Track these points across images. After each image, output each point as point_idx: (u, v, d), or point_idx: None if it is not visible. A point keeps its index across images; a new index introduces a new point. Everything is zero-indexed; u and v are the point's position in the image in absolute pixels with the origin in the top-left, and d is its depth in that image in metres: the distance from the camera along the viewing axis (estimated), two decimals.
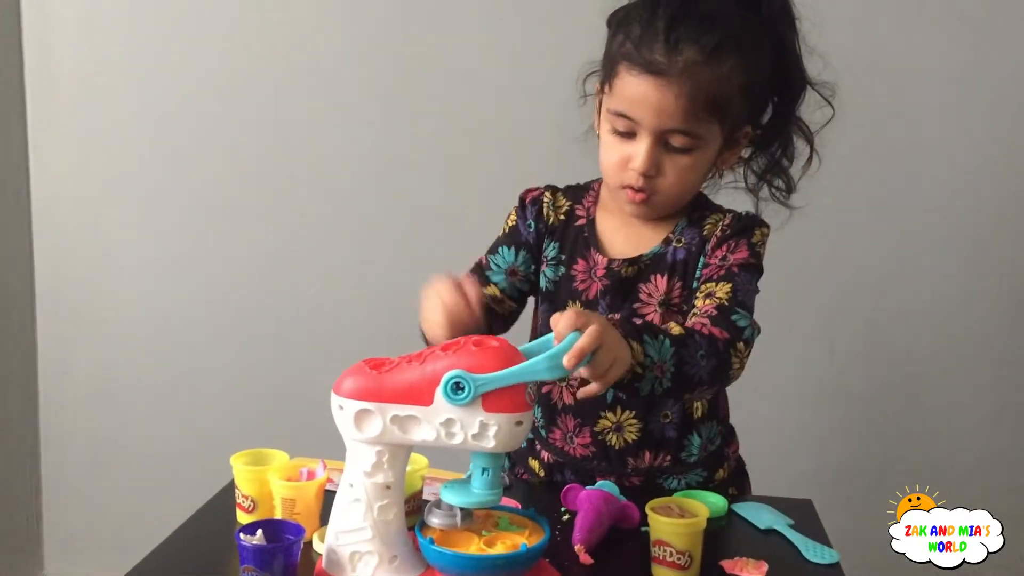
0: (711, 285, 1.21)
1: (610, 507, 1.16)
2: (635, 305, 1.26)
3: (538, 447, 1.35)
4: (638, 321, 1.19)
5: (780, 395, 1.98)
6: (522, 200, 1.35)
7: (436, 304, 1.12)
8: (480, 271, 1.34)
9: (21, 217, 2.03)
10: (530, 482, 1.37)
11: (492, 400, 0.94)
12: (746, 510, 1.24)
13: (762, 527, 1.20)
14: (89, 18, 1.99)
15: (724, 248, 1.24)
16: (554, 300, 1.31)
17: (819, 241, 1.94)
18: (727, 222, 1.27)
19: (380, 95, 1.96)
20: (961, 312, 1.98)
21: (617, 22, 1.23)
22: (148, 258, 2.05)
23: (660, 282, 1.26)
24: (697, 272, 1.25)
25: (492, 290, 1.32)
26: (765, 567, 1.08)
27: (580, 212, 1.32)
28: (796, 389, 2.00)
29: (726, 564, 1.09)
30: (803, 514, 1.24)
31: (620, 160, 1.21)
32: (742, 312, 1.18)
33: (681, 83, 1.14)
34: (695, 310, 1.21)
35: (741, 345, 1.15)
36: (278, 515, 1.10)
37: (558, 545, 1.12)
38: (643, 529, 1.11)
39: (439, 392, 0.94)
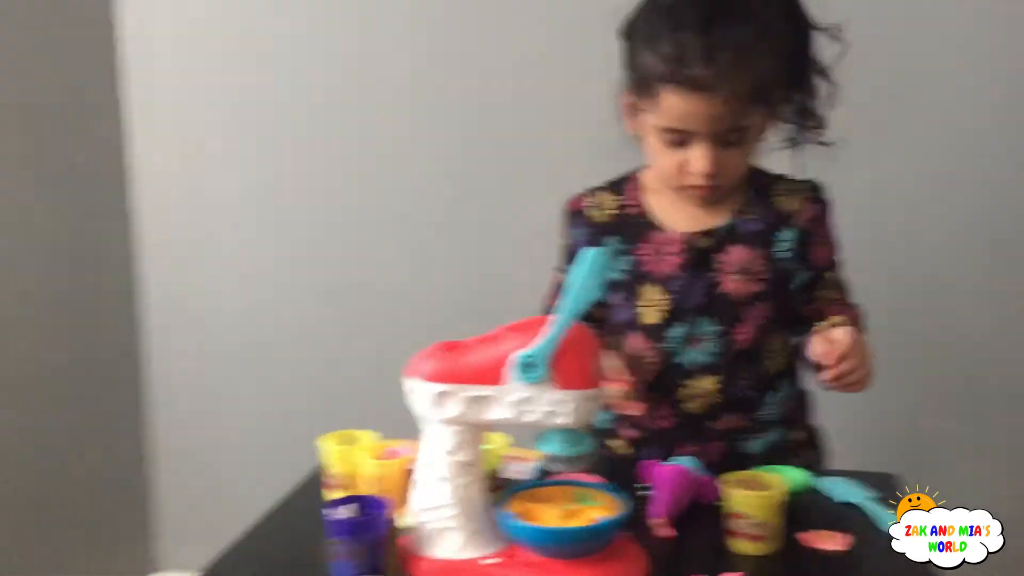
0: (829, 275, 1.33)
1: (688, 481, 1.17)
2: (711, 274, 1.30)
3: (618, 428, 1.38)
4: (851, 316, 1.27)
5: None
6: (568, 213, 1.39)
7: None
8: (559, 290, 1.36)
9: (121, 213, 2.14)
10: (610, 457, 1.39)
11: (564, 377, 0.97)
12: (827, 484, 1.24)
13: (843, 500, 1.20)
14: (185, 11, 2.08)
15: (822, 230, 1.33)
16: (626, 287, 1.34)
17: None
18: (807, 196, 1.32)
19: (468, 87, 2.00)
20: None
21: (636, 37, 1.25)
22: (244, 253, 2.13)
23: (737, 252, 1.30)
24: (784, 251, 1.30)
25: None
26: (845, 538, 1.08)
27: (630, 202, 1.36)
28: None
29: (804, 537, 1.09)
30: (886, 488, 1.23)
31: (678, 166, 1.25)
32: (856, 303, 1.34)
33: (727, 89, 1.17)
34: (822, 295, 1.32)
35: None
36: (366, 492, 1.15)
37: (637, 519, 1.14)
38: (720, 503, 1.13)
39: (512, 371, 0.97)
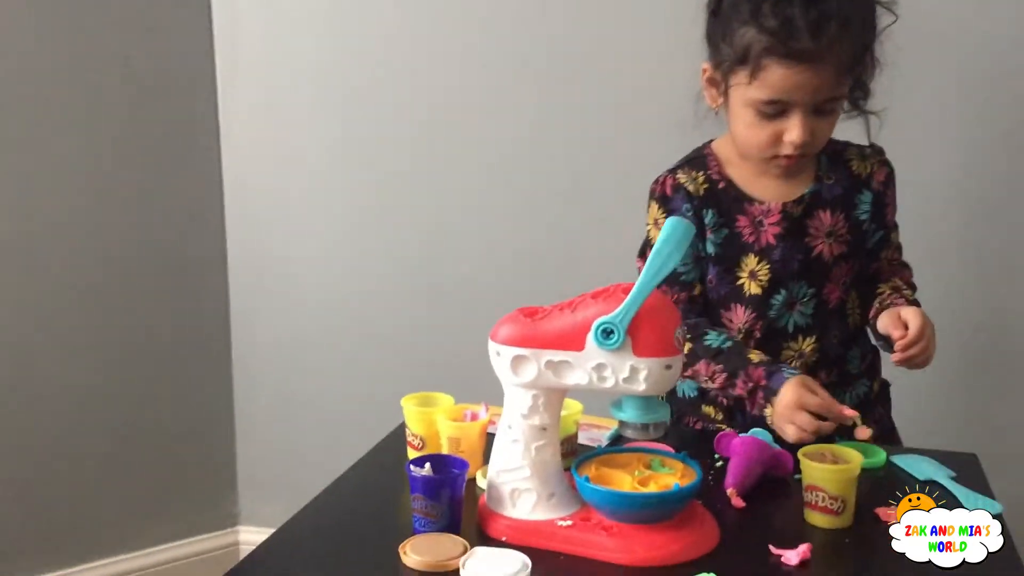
0: (894, 236, 1.41)
1: (762, 454, 1.18)
2: (806, 240, 1.34)
3: (712, 392, 1.38)
4: (911, 297, 1.34)
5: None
6: (661, 195, 1.38)
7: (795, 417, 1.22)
8: (675, 281, 1.37)
9: (213, 179, 2.20)
10: (695, 428, 1.41)
11: (641, 344, 0.98)
12: (906, 461, 1.23)
13: (921, 478, 1.19)
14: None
15: (892, 192, 1.39)
16: (725, 260, 1.36)
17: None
18: (877, 160, 1.38)
19: (531, 79, 2.00)
20: None
21: (731, 11, 1.25)
22: (328, 217, 2.17)
23: (824, 216, 1.35)
24: (864, 213, 1.36)
25: (698, 289, 1.38)
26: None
27: (715, 176, 1.37)
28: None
29: (881, 511, 1.09)
30: (966, 468, 1.22)
31: (772, 137, 1.27)
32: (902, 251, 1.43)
33: (833, 60, 1.21)
34: (883, 262, 1.41)
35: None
36: (444, 452, 1.18)
37: (711, 490, 1.16)
38: (796, 477, 1.13)
39: (590, 337, 0.99)
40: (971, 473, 1.21)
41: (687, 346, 1.33)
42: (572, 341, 1.00)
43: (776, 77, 1.22)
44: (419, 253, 2.12)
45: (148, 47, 2.06)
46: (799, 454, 1.09)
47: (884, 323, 1.28)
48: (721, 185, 1.36)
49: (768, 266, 1.34)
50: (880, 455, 1.24)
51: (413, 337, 2.14)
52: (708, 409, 1.41)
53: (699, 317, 1.37)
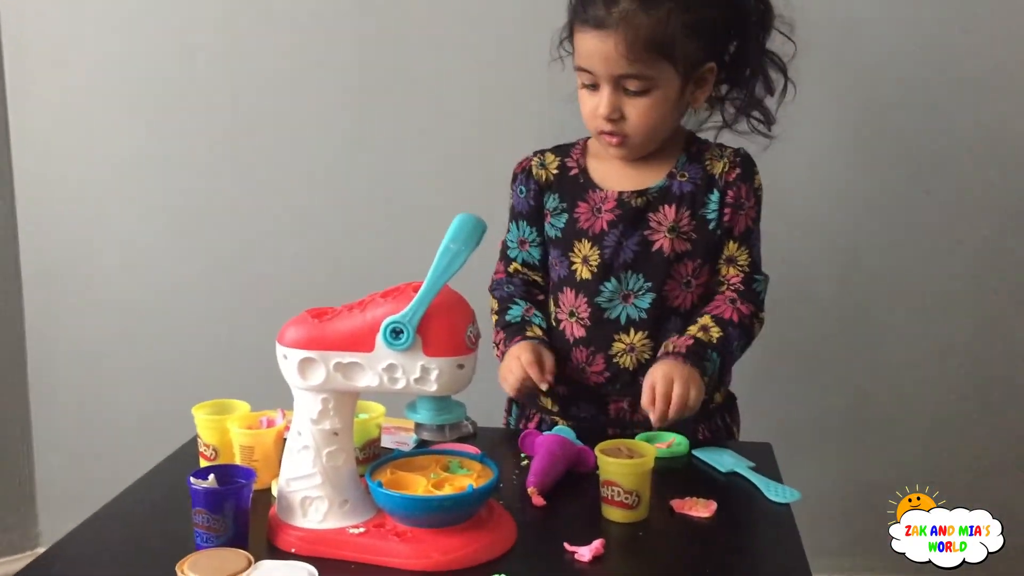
0: (733, 247, 1.36)
1: (565, 451, 1.18)
2: (645, 232, 1.35)
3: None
4: (688, 343, 1.30)
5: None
6: (514, 174, 1.45)
7: (513, 367, 1.32)
8: (503, 253, 1.47)
9: (5, 198, 2.06)
10: (495, 432, 1.40)
11: (432, 343, 0.96)
12: (708, 454, 1.26)
13: (724, 470, 1.22)
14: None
15: (736, 193, 1.35)
16: (562, 244, 1.40)
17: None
18: (732, 160, 1.36)
19: (359, 39, 1.96)
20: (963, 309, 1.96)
21: None
22: (121, 224, 2.07)
23: (669, 211, 1.35)
24: (711, 212, 1.35)
25: (514, 266, 1.46)
26: (714, 506, 1.09)
27: (571, 163, 1.42)
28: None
29: (676, 503, 1.10)
30: (762, 457, 1.26)
31: (591, 110, 1.32)
32: (759, 277, 1.39)
33: (620, 31, 1.24)
34: (721, 277, 1.37)
35: (762, 314, 1.38)
36: (237, 462, 1.13)
37: (514, 488, 1.15)
38: (597, 472, 1.13)
39: (379, 338, 0.96)
40: (767, 462, 1.25)
41: (493, 318, 1.42)
42: (361, 342, 0.97)
43: (578, 41, 1.30)
44: (216, 256, 2.05)
45: None
46: (596, 449, 1.09)
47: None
48: (573, 172, 1.40)
49: (599, 252, 1.36)
50: (684, 443, 1.27)
51: (212, 342, 2.07)
52: (545, 401, 1.43)
53: (518, 292, 1.43)
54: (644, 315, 1.35)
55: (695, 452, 1.27)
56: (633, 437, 1.20)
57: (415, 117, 1.96)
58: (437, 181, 1.96)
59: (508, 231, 1.46)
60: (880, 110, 1.88)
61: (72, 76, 2.02)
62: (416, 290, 0.96)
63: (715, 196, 1.35)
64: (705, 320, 1.33)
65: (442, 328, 0.96)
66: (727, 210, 1.35)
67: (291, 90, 1.98)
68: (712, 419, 1.42)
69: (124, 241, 2.08)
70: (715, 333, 1.31)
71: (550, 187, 1.41)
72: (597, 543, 0.99)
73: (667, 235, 1.34)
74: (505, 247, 1.47)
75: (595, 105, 1.30)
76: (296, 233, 2.03)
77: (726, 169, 1.36)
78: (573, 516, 1.09)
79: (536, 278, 1.45)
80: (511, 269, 1.46)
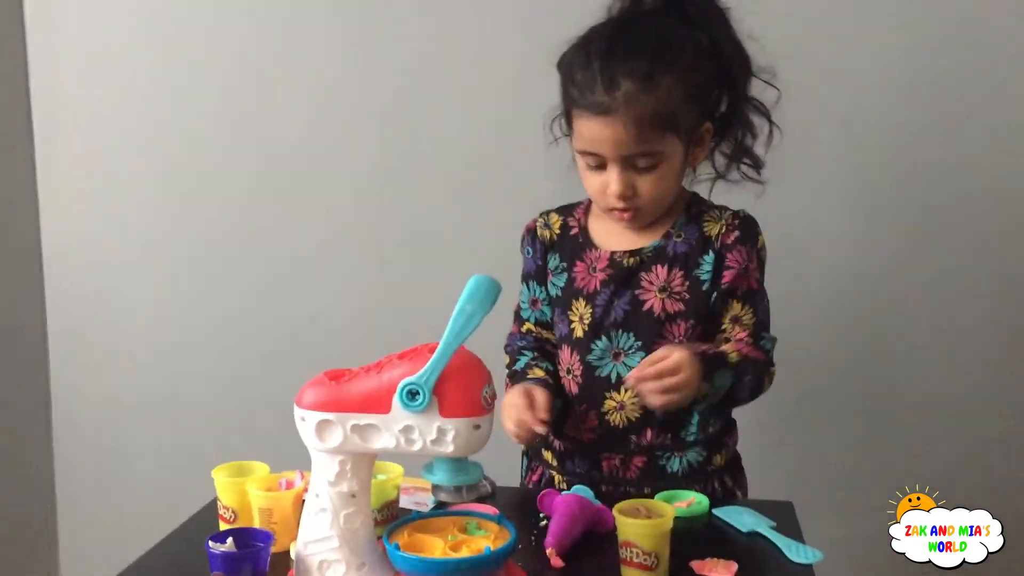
0: (738, 308, 1.35)
1: (584, 511, 1.17)
2: (636, 292, 1.36)
3: (551, 438, 1.42)
4: (710, 352, 1.28)
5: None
6: (522, 236, 1.48)
7: (508, 414, 1.31)
8: (517, 315, 1.50)
9: (32, 245, 2.09)
10: (512, 492, 1.39)
11: (448, 405, 0.96)
12: (728, 514, 1.25)
13: (744, 530, 1.20)
14: (94, 49, 2.05)
15: (738, 255, 1.34)
16: (562, 303, 1.41)
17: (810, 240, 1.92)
18: (730, 223, 1.35)
19: (375, 114, 1.99)
20: (960, 305, 1.92)
21: (564, 68, 1.33)
22: (146, 293, 2.10)
23: (661, 271, 1.35)
24: (705, 272, 1.34)
25: (527, 326, 1.48)
26: (735, 567, 1.08)
27: (572, 223, 1.44)
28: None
29: (696, 565, 1.09)
30: (783, 516, 1.24)
31: (599, 188, 1.32)
32: (767, 336, 1.36)
33: (626, 115, 1.25)
34: (726, 334, 1.35)
35: (773, 368, 1.36)
36: (256, 524, 1.13)
37: (532, 549, 1.14)
38: (616, 533, 1.12)
39: (396, 399, 0.96)
40: (789, 521, 1.23)
41: (506, 371, 1.42)
42: (378, 404, 0.97)
43: (580, 128, 1.30)
44: (236, 318, 2.08)
45: None
46: (614, 510, 1.08)
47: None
48: (574, 232, 1.42)
49: (591, 310, 1.37)
50: (703, 506, 1.25)
51: (234, 403, 2.08)
52: (547, 454, 1.43)
53: (529, 347, 1.44)
54: None
55: (715, 511, 1.25)
56: (627, 496, 1.20)
57: (431, 182, 1.98)
58: (454, 242, 1.98)
59: (520, 293, 1.48)
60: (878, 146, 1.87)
61: (99, 136, 2.07)
62: (432, 351, 0.97)
63: (710, 257, 1.34)
64: (726, 347, 1.31)
65: (458, 389, 0.96)
66: (727, 273, 1.34)
67: (317, 165, 2.02)
68: (709, 482, 1.38)
69: (147, 303, 2.11)
70: (734, 358, 1.29)
71: (552, 247, 1.43)
72: None
73: (658, 295, 1.34)
74: (518, 309, 1.49)
75: (603, 184, 1.31)
76: (315, 295, 2.05)
77: (723, 231, 1.35)
78: None
79: (548, 335, 1.46)
80: (524, 329, 1.48)
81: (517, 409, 1.30)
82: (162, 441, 2.13)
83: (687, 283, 1.34)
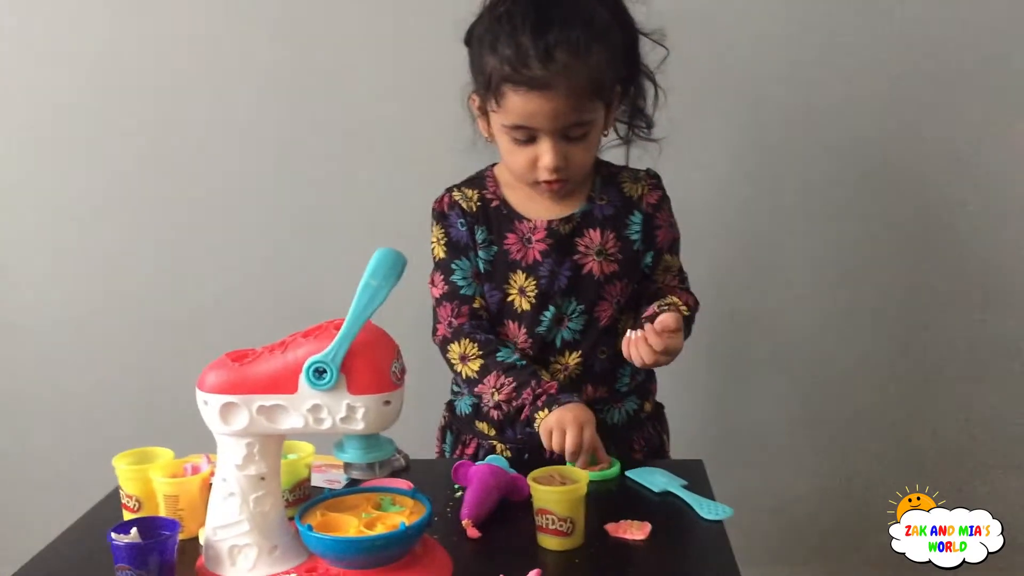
0: (668, 258, 1.42)
1: (498, 481, 1.17)
2: (575, 257, 1.37)
3: (485, 409, 1.40)
4: (685, 312, 1.32)
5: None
6: (439, 212, 1.42)
7: (573, 433, 1.24)
8: (455, 296, 1.39)
9: None
10: (426, 465, 1.38)
11: (356, 382, 0.94)
12: (640, 475, 1.26)
13: (657, 490, 1.22)
14: None
15: (657, 211, 1.40)
16: (495, 277, 1.39)
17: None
18: (650, 182, 1.41)
19: (266, 96, 1.94)
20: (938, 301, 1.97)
21: (478, 42, 1.30)
22: (34, 272, 2.02)
23: (594, 235, 1.37)
24: (635, 232, 1.38)
25: (479, 302, 1.40)
26: (648, 527, 1.09)
27: (489, 196, 1.41)
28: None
29: (611, 527, 1.10)
30: (695, 474, 1.27)
31: (528, 163, 1.31)
32: (686, 276, 1.46)
33: (565, 87, 1.24)
34: (659, 285, 1.40)
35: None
36: (162, 513, 1.10)
37: (448, 521, 1.14)
38: (532, 501, 1.13)
39: (302, 379, 0.94)
40: (699, 479, 1.26)
41: (478, 363, 1.34)
42: (284, 383, 0.95)
43: (514, 104, 1.26)
44: (132, 297, 2.01)
45: None
46: (528, 478, 1.09)
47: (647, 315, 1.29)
48: (494, 204, 1.40)
49: (535, 282, 1.37)
50: (614, 469, 1.27)
51: (132, 388, 2.02)
52: (481, 425, 1.43)
53: (487, 333, 1.38)
54: (578, 336, 1.38)
55: (627, 473, 1.27)
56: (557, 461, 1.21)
57: (336, 150, 1.94)
58: (359, 216, 1.94)
59: (450, 271, 1.39)
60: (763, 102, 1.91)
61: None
62: (338, 328, 0.95)
63: (637, 218, 1.39)
64: (673, 299, 1.33)
65: (366, 365, 0.95)
66: (659, 232, 1.40)
67: (215, 139, 1.95)
68: (644, 428, 1.45)
69: (36, 282, 2.02)
70: (685, 310, 1.33)
71: (477, 219, 1.39)
72: (533, 573, 0.98)
73: (595, 258, 1.37)
74: (454, 290, 1.39)
75: (531, 158, 1.30)
76: (214, 270, 1.99)
77: (645, 192, 1.40)
78: (509, 547, 1.08)
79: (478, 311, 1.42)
80: (476, 306, 1.39)
81: (587, 437, 1.23)
82: (55, 430, 2.05)
83: (619, 244, 1.38)
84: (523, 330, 1.38)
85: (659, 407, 1.51)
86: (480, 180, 1.43)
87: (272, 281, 1.99)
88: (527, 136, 1.29)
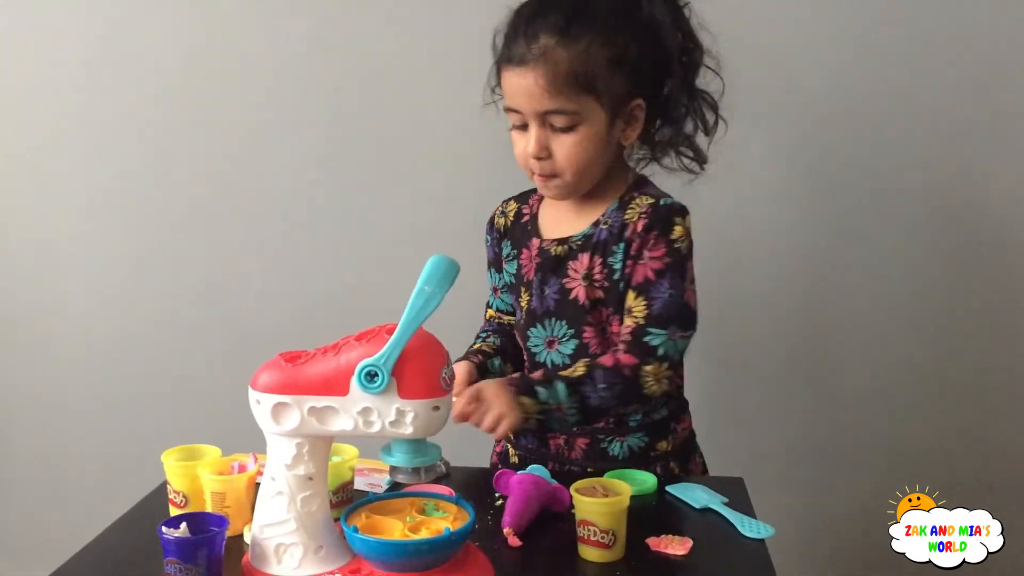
0: (631, 297, 1.31)
1: (540, 491, 1.17)
2: (563, 280, 1.36)
3: None
4: (537, 374, 1.30)
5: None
6: (487, 225, 1.50)
7: None
8: (487, 303, 1.54)
9: None
10: (468, 471, 1.39)
11: (407, 386, 0.95)
12: (680, 491, 1.26)
13: (697, 506, 1.22)
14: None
15: (641, 244, 1.31)
16: (513, 290, 1.44)
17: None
18: (644, 211, 1.32)
19: (310, 97, 1.96)
20: (950, 306, 1.95)
21: (498, 32, 1.34)
22: (84, 273, 2.05)
23: (584, 259, 1.35)
24: (617, 261, 1.32)
25: (490, 313, 1.52)
26: (690, 543, 1.09)
27: (525, 210, 1.45)
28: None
29: (652, 542, 1.10)
30: (735, 492, 1.26)
31: (522, 150, 1.32)
32: (656, 331, 1.28)
33: (541, 66, 1.25)
34: (619, 328, 1.32)
35: (653, 366, 1.28)
36: (209, 509, 1.11)
37: (489, 529, 1.14)
38: (573, 511, 1.13)
39: (354, 381, 0.95)
40: (740, 497, 1.25)
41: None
42: (336, 386, 0.96)
43: (504, 82, 1.30)
44: (185, 297, 2.04)
45: None
46: (572, 489, 1.09)
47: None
48: (525, 219, 1.43)
49: (528, 299, 1.39)
50: (651, 482, 1.27)
51: (181, 386, 2.05)
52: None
53: (502, 336, 1.47)
54: (568, 360, 1.36)
55: (668, 488, 1.27)
56: (572, 475, 1.22)
57: (394, 159, 1.96)
58: (413, 222, 1.96)
59: (490, 281, 1.51)
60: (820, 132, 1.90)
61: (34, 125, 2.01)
62: (390, 332, 0.96)
63: (621, 246, 1.32)
64: (578, 363, 1.30)
65: (417, 370, 0.96)
66: (629, 262, 1.31)
67: (266, 136, 1.98)
68: (652, 467, 1.35)
69: (86, 283, 2.06)
70: (579, 371, 1.28)
71: (506, 235, 1.45)
72: None
73: (582, 283, 1.34)
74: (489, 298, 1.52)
75: (524, 147, 1.31)
76: (267, 272, 2.02)
77: (635, 219, 1.32)
78: (550, 557, 1.08)
79: (510, 319, 1.49)
80: (488, 316, 1.52)
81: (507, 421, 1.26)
82: (105, 426, 2.08)
83: (605, 271, 1.33)
84: (522, 344, 1.43)
85: (686, 443, 1.43)
86: (528, 194, 1.46)
87: (327, 282, 2.00)
88: (520, 121, 1.30)
